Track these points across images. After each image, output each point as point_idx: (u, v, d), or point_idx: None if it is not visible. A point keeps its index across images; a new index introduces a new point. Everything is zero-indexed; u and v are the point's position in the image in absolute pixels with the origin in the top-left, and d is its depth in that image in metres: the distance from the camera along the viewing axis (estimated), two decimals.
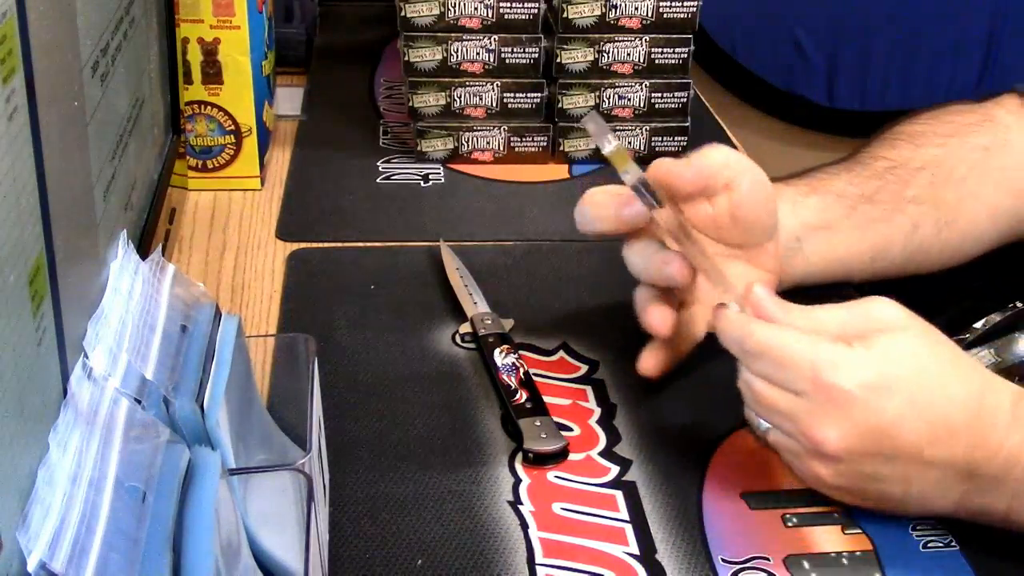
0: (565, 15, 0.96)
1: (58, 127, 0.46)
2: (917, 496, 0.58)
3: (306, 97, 1.13)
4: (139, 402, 0.47)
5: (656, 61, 0.98)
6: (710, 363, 0.69)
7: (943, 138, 0.80)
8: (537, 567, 0.57)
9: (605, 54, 0.97)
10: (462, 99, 0.99)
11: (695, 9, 0.97)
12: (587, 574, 0.57)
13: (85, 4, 0.53)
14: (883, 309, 0.58)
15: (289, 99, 1.11)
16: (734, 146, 1.09)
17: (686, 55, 0.98)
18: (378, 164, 1.01)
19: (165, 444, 0.45)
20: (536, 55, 0.98)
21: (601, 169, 1.02)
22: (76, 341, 0.47)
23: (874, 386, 0.55)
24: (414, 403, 0.69)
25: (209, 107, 0.92)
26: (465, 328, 0.76)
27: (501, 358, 0.71)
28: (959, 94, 1.17)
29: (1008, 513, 0.58)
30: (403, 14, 0.95)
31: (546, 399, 0.68)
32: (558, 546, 0.59)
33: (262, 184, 0.96)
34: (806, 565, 0.58)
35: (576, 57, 0.97)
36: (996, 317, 1.17)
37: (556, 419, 0.67)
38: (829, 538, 0.60)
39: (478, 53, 0.97)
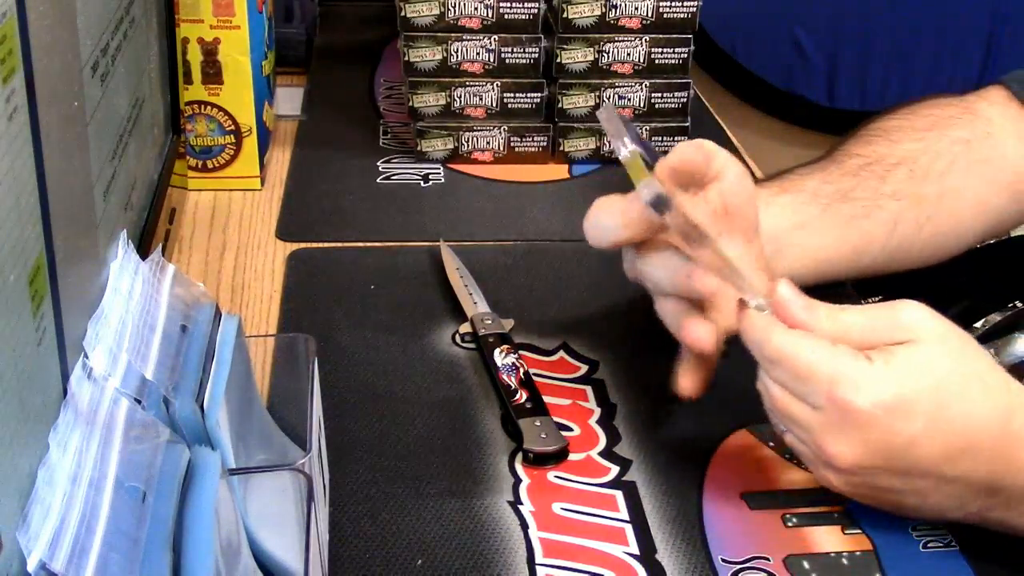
0: (565, 15, 0.96)
1: (58, 127, 0.46)
2: (933, 507, 0.57)
3: (306, 97, 1.13)
4: (139, 402, 0.47)
5: (656, 61, 0.98)
6: None
7: (921, 132, 0.78)
8: (537, 567, 0.57)
9: (605, 54, 0.97)
10: (462, 99, 0.99)
11: (695, 9, 0.97)
12: (587, 574, 0.57)
13: (85, 4, 0.53)
14: (912, 315, 0.56)
15: (289, 99, 1.11)
16: (734, 146, 1.09)
17: (686, 55, 0.98)
18: (378, 164, 1.01)
19: (165, 444, 0.45)
20: (536, 55, 0.98)
21: (601, 169, 1.02)
22: (76, 341, 0.47)
23: (891, 407, 0.54)
24: (414, 403, 0.69)
25: (209, 107, 0.92)
26: (465, 328, 0.76)
27: (501, 358, 0.71)
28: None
29: None
30: (403, 14, 0.95)
31: (546, 399, 0.68)
32: (558, 546, 0.59)
33: (262, 184, 0.96)
34: (806, 565, 0.58)
35: (576, 57, 0.97)
36: (996, 317, 1.18)
37: (556, 419, 0.67)
38: (829, 538, 0.60)
39: (478, 53, 0.97)
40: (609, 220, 0.64)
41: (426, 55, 0.97)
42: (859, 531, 0.61)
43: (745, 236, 0.65)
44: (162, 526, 0.41)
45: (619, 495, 0.63)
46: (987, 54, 1.74)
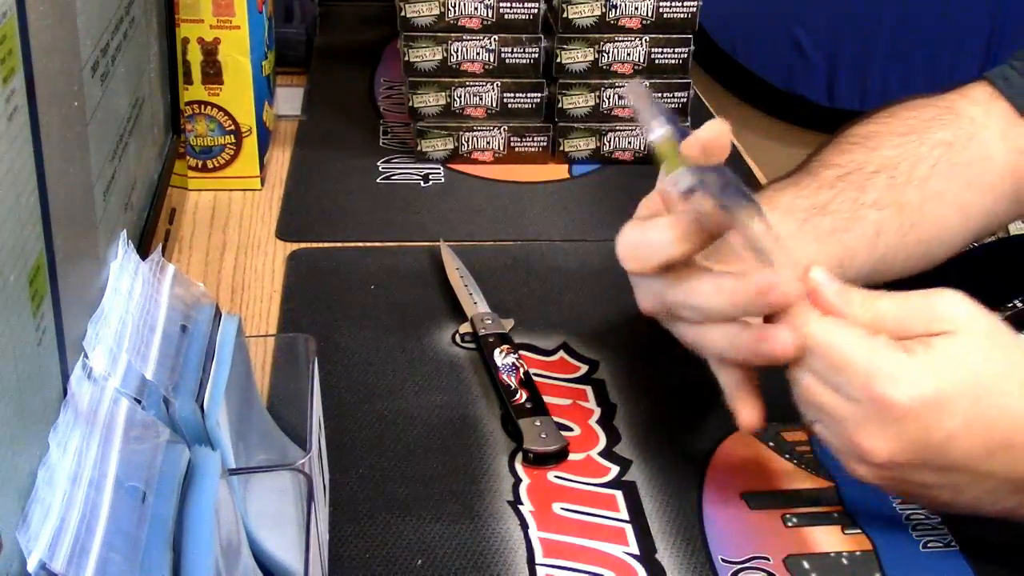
0: (565, 15, 0.96)
1: (58, 127, 0.46)
2: (968, 502, 0.56)
3: (306, 97, 1.13)
4: (139, 402, 0.47)
5: (656, 61, 0.98)
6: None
7: (900, 137, 0.75)
8: (537, 567, 0.57)
9: (605, 54, 0.97)
10: (462, 99, 0.99)
11: (695, 9, 0.97)
12: (587, 574, 0.57)
13: (85, 4, 0.53)
14: (949, 305, 0.55)
15: (289, 99, 1.11)
16: (734, 146, 1.09)
17: (686, 55, 0.98)
18: (378, 164, 1.01)
19: (165, 444, 0.45)
20: (536, 55, 0.98)
21: (601, 169, 1.02)
22: (76, 341, 0.47)
23: (931, 402, 0.53)
24: (414, 403, 0.69)
25: (209, 107, 0.92)
26: (465, 328, 0.76)
27: (501, 358, 0.71)
28: None
29: None
30: (403, 14, 0.95)
31: (546, 399, 0.68)
32: (558, 546, 0.59)
33: (262, 184, 0.96)
34: (806, 565, 0.58)
35: (576, 57, 0.97)
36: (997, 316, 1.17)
37: (556, 419, 0.67)
38: (829, 538, 0.60)
39: (478, 53, 0.97)
40: (658, 234, 0.57)
41: (426, 55, 0.97)
42: (859, 531, 0.61)
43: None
44: (162, 526, 0.41)
45: (619, 495, 0.63)
46: (987, 54, 1.74)
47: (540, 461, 0.65)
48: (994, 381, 0.54)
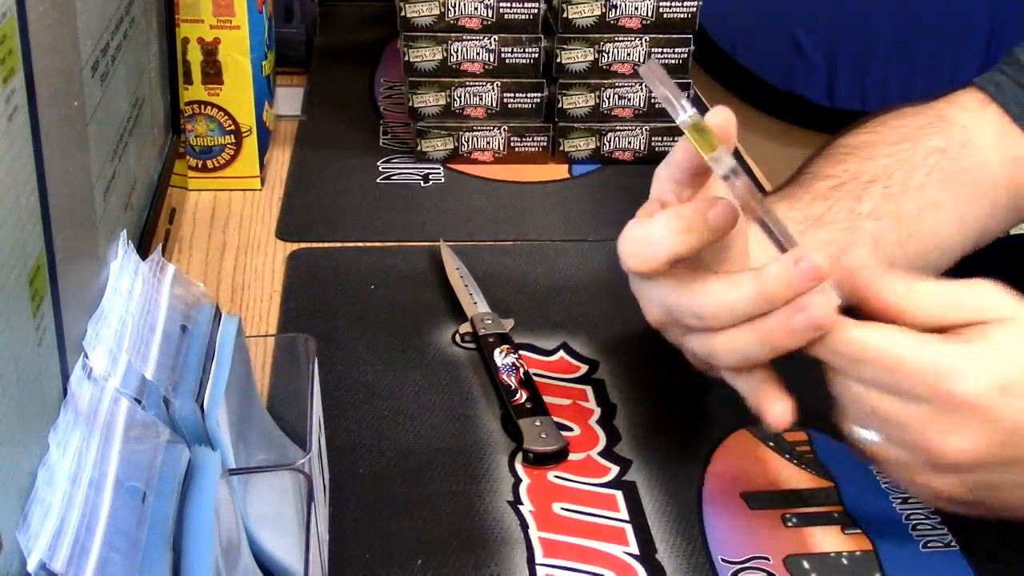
0: (565, 15, 0.96)
1: (58, 127, 0.46)
2: None
3: (306, 97, 1.13)
4: (139, 402, 0.47)
5: (656, 61, 0.98)
6: None
7: (892, 146, 0.73)
8: (537, 567, 0.57)
9: (605, 54, 0.97)
10: (462, 99, 0.99)
11: (695, 9, 0.97)
12: (587, 574, 0.57)
13: (85, 4, 0.53)
14: (988, 295, 0.53)
15: (289, 99, 1.11)
16: (734, 146, 1.09)
17: (686, 55, 0.98)
18: (378, 164, 1.01)
19: (165, 444, 0.45)
20: (536, 55, 0.98)
21: (601, 169, 1.02)
22: (76, 341, 0.47)
23: (1001, 387, 0.51)
24: (414, 403, 0.69)
25: (209, 107, 0.92)
26: (465, 328, 0.76)
27: (501, 358, 0.71)
28: None
29: None
30: (403, 14, 0.95)
31: (546, 399, 0.68)
32: (558, 546, 0.59)
33: (262, 184, 0.96)
34: (806, 565, 0.58)
35: (576, 57, 0.97)
36: None
37: (556, 419, 0.67)
38: (829, 538, 0.60)
39: (478, 53, 0.97)
40: (661, 228, 0.55)
41: (426, 55, 0.97)
42: (859, 531, 0.61)
43: (732, 242, 0.59)
44: (162, 526, 0.41)
45: (619, 495, 0.63)
46: (987, 54, 1.74)
47: (540, 461, 0.65)
48: None
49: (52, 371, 0.44)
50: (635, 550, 0.59)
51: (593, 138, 1.01)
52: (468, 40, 0.96)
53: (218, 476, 0.44)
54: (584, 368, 0.73)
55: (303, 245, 0.87)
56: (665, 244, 0.55)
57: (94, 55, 0.55)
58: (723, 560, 0.59)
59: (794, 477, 0.65)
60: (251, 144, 0.94)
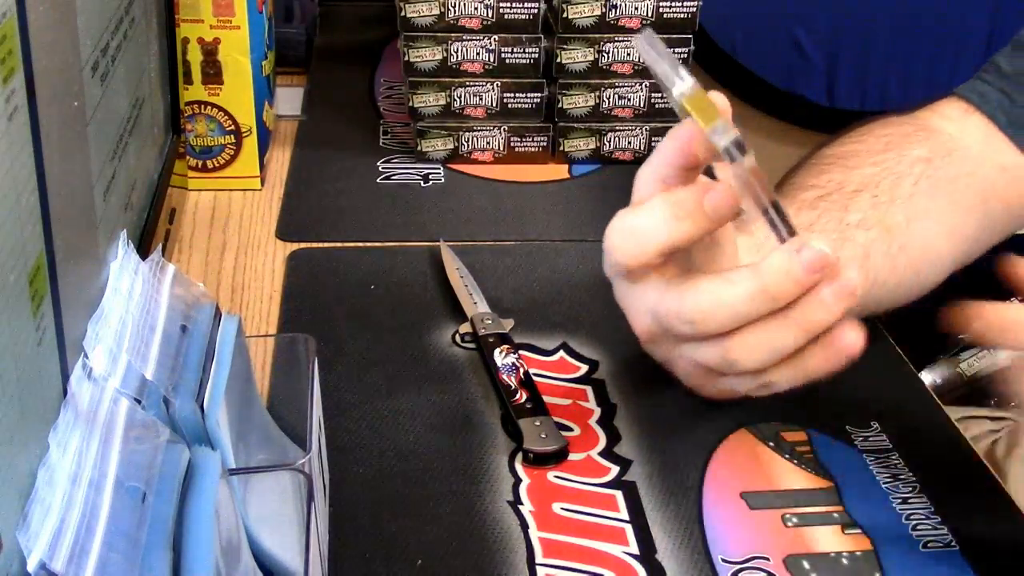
0: (565, 15, 0.95)
1: (58, 127, 0.46)
2: None
3: (306, 97, 1.13)
4: (139, 402, 0.47)
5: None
6: None
7: (877, 155, 0.71)
8: (537, 567, 0.57)
9: (605, 54, 0.97)
10: (462, 99, 0.99)
11: (695, 9, 0.97)
12: (587, 574, 0.57)
13: (85, 4, 0.53)
14: None
15: (289, 99, 1.11)
16: None
17: (686, 55, 0.98)
18: (378, 164, 1.01)
19: (165, 444, 0.45)
20: (536, 55, 0.98)
21: (601, 169, 1.02)
22: (76, 341, 0.47)
23: None
24: (414, 403, 0.69)
25: (209, 107, 0.92)
26: (465, 328, 0.76)
27: (501, 358, 0.71)
28: None
29: None
30: (403, 14, 0.95)
31: (546, 399, 0.68)
32: (558, 546, 0.59)
33: (262, 184, 0.96)
34: (806, 565, 0.58)
35: (576, 57, 0.97)
36: None
37: (556, 419, 0.67)
38: (829, 538, 0.60)
39: (478, 53, 0.97)
40: (652, 215, 0.51)
41: (426, 55, 0.97)
42: (859, 531, 0.61)
43: (722, 238, 0.56)
44: (162, 526, 0.41)
45: (619, 495, 0.63)
46: (987, 54, 1.74)
47: (540, 461, 0.65)
48: None
49: (52, 371, 0.44)
50: (635, 550, 0.59)
51: (593, 138, 1.01)
52: (468, 40, 0.96)
53: (218, 476, 0.44)
54: (584, 368, 0.73)
55: (303, 245, 0.87)
56: (657, 233, 0.51)
57: (94, 55, 0.55)
58: (723, 560, 0.59)
59: (794, 477, 0.65)
60: (251, 144, 0.94)
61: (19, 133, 0.41)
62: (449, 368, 0.73)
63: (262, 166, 0.95)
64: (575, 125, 1.00)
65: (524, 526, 0.60)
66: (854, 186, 0.68)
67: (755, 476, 0.65)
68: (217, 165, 0.94)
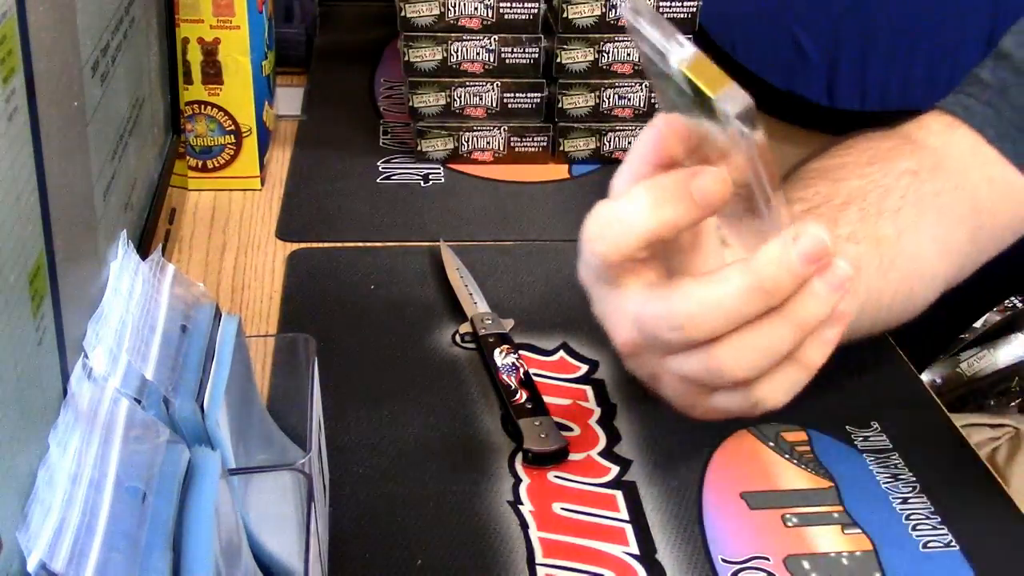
0: (565, 15, 0.95)
1: (58, 127, 0.46)
2: None
3: (306, 97, 1.13)
4: (139, 402, 0.47)
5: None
6: None
7: (863, 168, 0.68)
8: (537, 567, 0.57)
9: (605, 54, 0.97)
10: (462, 99, 0.99)
11: (695, 9, 0.97)
12: (587, 574, 0.57)
13: (85, 4, 0.53)
14: None
15: (289, 99, 1.11)
16: None
17: None
18: (378, 164, 1.01)
19: (165, 444, 0.45)
20: (536, 55, 0.98)
21: (601, 169, 1.02)
22: (76, 341, 0.47)
23: None
24: (414, 403, 0.69)
25: (209, 107, 0.92)
26: (465, 328, 0.76)
27: (501, 358, 0.71)
28: None
29: None
30: (403, 14, 0.95)
31: (546, 399, 0.68)
32: (558, 546, 0.59)
33: (262, 184, 0.96)
34: (806, 565, 0.58)
35: (576, 57, 0.97)
36: (996, 317, 1.18)
37: (556, 419, 0.67)
38: (829, 538, 0.60)
39: (478, 53, 0.97)
40: (634, 203, 0.47)
41: (426, 55, 0.97)
42: (859, 531, 0.61)
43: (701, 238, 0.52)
44: (162, 526, 0.41)
45: (619, 495, 0.63)
46: (987, 54, 1.74)
47: (540, 461, 0.65)
48: None
49: (52, 371, 0.44)
50: (635, 550, 0.59)
51: (593, 138, 1.01)
52: (468, 40, 0.96)
53: (218, 476, 0.44)
54: (584, 368, 0.73)
55: (303, 245, 0.87)
56: (640, 221, 0.46)
57: (94, 55, 0.55)
58: (723, 560, 0.59)
59: (794, 477, 0.65)
60: (251, 144, 0.94)
61: (19, 133, 0.41)
62: (449, 368, 0.73)
63: (262, 166, 0.95)
64: (575, 125, 1.00)
65: (524, 526, 0.60)
66: (841, 199, 0.65)
67: (755, 476, 0.65)
68: (217, 165, 0.94)
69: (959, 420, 0.71)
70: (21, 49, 0.41)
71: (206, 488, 0.43)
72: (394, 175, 0.99)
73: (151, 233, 0.70)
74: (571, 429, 0.68)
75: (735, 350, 0.47)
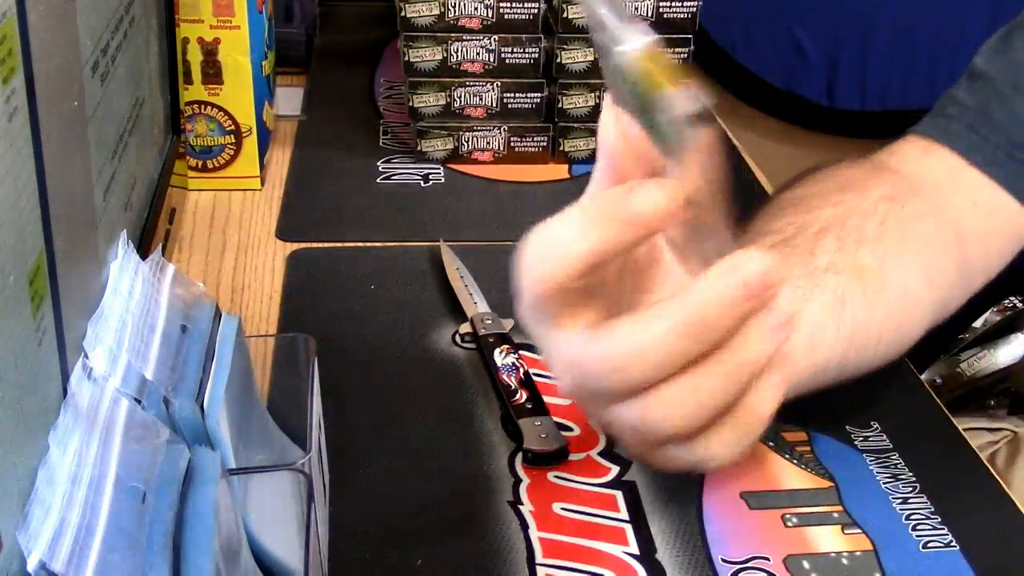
0: (565, 15, 0.95)
1: (58, 127, 0.46)
2: None
3: (306, 97, 1.13)
4: (139, 402, 0.47)
5: None
6: None
7: (837, 194, 0.64)
8: (537, 567, 0.57)
9: None
10: (462, 99, 0.99)
11: (695, 9, 0.97)
12: (587, 574, 0.57)
13: (85, 4, 0.53)
14: None
15: (289, 99, 1.11)
16: (734, 146, 1.09)
17: (686, 55, 0.98)
18: (378, 164, 1.01)
19: (165, 444, 0.45)
20: (536, 55, 0.98)
21: None
22: (76, 341, 0.47)
23: None
24: (414, 403, 0.69)
25: (209, 107, 0.92)
26: (465, 328, 0.76)
27: (501, 358, 0.71)
28: None
29: None
30: (403, 14, 0.95)
31: (546, 399, 0.68)
32: (558, 546, 0.59)
33: (262, 184, 0.96)
34: (806, 565, 0.58)
35: (576, 57, 0.97)
36: (996, 317, 1.18)
37: (556, 419, 0.67)
38: (829, 538, 0.60)
39: (478, 53, 0.97)
40: (573, 223, 0.42)
41: (426, 55, 0.97)
42: (859, 531, 0.61)
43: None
44: (162, 526, 0.41)
45: (619, 495, 0.63)
46: None
47: (540, 461, 0.65)
48: None
49: (52, 371, 0.44)
50: (635, 550, 0.59)
51: (593, 138, 1.01)
52: (468, 40, 0.96)
53: (218, 476, 0.44)
54: None
55: (303, 245, 0.87)
56: (576, 243, 0.41)
57: (94, 55, 0.55)
58: (723, 560, 0.59)
59: (794, 477, 0.65)
60: (251, 144, 0.94)
61: (19, 133, 0.41)
62: (449, 368, 0.73)
63: (262, 166, 0.95)
64: (575, 125, 1.00)
65: (524, 526, 0.60)
66: (817, 228, 0.61)
67: (755, 476, 0.65)
68: (217, 165, 0.94)
69: (957, 424, 0.71)
70: (21, 49, 0.41)
71: (206, 488, 0.43)
72: (394, 175, 0.99)
73: (151, 233, 0.70)
74: (571, 429, 0.68)
75: (669, 398, 0.42)
